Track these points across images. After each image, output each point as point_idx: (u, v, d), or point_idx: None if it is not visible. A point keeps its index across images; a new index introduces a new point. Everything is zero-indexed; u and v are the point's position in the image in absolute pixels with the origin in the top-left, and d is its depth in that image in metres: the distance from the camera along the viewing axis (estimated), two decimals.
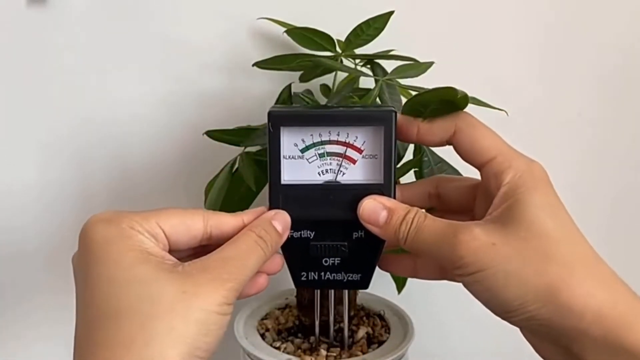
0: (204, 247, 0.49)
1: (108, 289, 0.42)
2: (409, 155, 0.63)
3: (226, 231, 0.49)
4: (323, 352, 0.62)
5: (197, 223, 0.48)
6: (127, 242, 0.44)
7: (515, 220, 0.45)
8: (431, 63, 0.66)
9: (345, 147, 0.53)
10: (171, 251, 0.47)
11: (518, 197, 0.46)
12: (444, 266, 0.52)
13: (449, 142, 0.51)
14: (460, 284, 0.48)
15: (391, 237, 0.50)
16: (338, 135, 0.52)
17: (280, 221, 0.51)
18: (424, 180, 0.57)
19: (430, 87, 0.61)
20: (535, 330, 0.46)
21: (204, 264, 0.45)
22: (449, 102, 0.50)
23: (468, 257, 0.45)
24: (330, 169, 0.53)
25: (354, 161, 0.53)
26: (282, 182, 0.53)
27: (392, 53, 0.69)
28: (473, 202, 0.53)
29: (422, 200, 0.55)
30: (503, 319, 0.47)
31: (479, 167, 0.51)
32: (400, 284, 0.70)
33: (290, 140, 0.53)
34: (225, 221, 0.49)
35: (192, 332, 0.42)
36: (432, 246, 0.48)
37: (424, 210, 0.50)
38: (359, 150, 0.53)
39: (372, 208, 0.51)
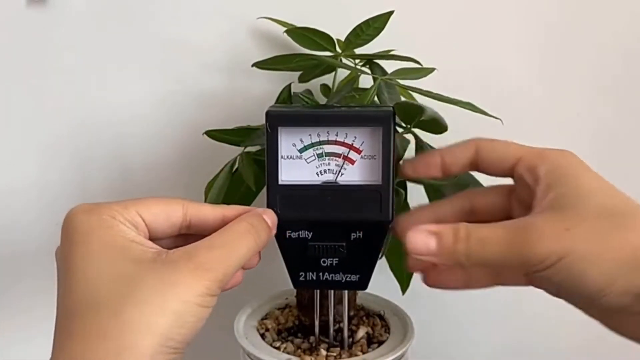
0: (185, 237, 0.49)
1: (88, 280, 0.42)
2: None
3: (205, 221, 0.49)
4: (323, 352, 0.62)
5: (176, 211, 0.48)
6: (108, 231, 0.43)
7: (576, 203, 0.44)
8: (432, 69, 0.66)
9: (343, 148, 0.53)
10: (151, 239, 0.46)
11: (567, 182, 0.46)
12: (513, 270, 0.50)
13: (472, 165, 0.51)
14: None
15: (450, 259, 0.46)
16: (337, 135, 0.52)
17: (270, 217, 0.50)
18: (455, 197, 0.54)
19: (431, 87, 0.61)
20: (625, 304, 0.44)
21: (188, 252, 0.44)
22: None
23: (546, 249, 0.42)
24: (328, 169, 0.53)
25: (352, 161, 0.53)
26: (280, 182, 0.53)
27: (390, 52, 0.69)
28: (509, 208, 0.51)
29: (457, 217, 0.52)
30: (591, 304, 0.46)
31: (509, 172, 0.49)
32: (404, 285, 0.69)
33: (288, 140, 0.53)
34: (205, 211, 0.49)
35: (166, 323, 0.41)
36: (502, 254, 0.44)
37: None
38: (358, 151, 0.53)
39: (419, 239, 0.46)
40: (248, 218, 0.48)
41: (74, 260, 0.43)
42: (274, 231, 0.51)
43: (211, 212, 0.49)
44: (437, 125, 0.55)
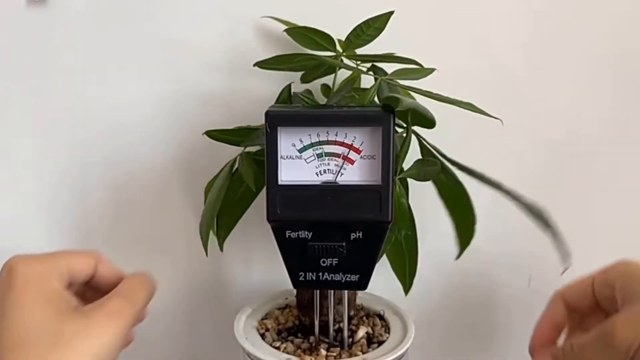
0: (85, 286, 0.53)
1: (20, 323, 0.46)
2: (409, 158, 0.63)
3: (106, 277, 0.54)
4: (323, 352, 0.62)
5: (90, 266, 0.52)
6: (42, 283, 0.48)
7: None
8: (432, 70, 0.66)
9: (343, 148, 0.53)
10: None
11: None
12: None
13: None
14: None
15: None
16: (336, 135, 0.52)
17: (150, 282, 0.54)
18: (553, 304, 0.62)
19: (430, 87, 0.61)
20: None
21: (100, 303, 0.49)
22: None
23: (628, 338, 0.50)
24: (328, 170, 0.53)
25: (352, 162, 0.53)
26: (280, 182, 0.53)
27: (392, 54, 0.69)
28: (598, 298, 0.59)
29: (565, 319, 0.61)
30: None
31: (593, 300, 0.59)
32: (407, 286, 0.69)
33: (288, 140, 0.53)
34: (106, 271, 0.54)
35: None
36: (596, 350, 0.53)
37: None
38: (357, 151, 0.53)
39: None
40: (138, 274, 0.53)
41: (11, 303, 0.46)
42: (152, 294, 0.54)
43: (109, 272, 0.54)
44: (420, 117, 0.55)
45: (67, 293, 0.49)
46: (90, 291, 0.53)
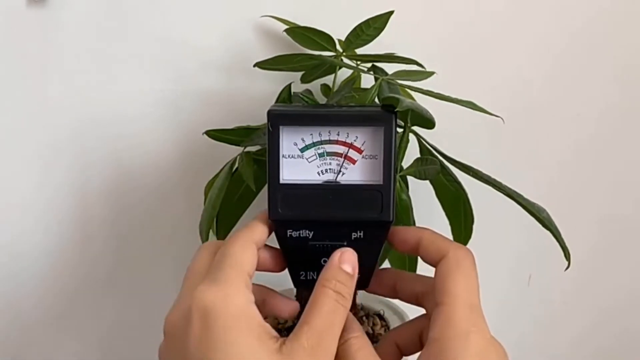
0: None
1: None
2: (409, 157, 0.63)
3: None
4: None
5: (255, 254, 0.51)
6: (247, 321, 0.45)
7: None
8: (432, 72, 0.66)
9: (345, 147, 0.53)
10: None
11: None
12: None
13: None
14: None
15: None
16: (338, 135, 0.52)
17: (349, 262, 0.50)
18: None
19: (430, 86, 0.61)
20: None
21: (301, 344, 0.45)
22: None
23: None
24: (329, 169, 0.53)
25: (353, 161, 0.53)
26: (281, 181, 0.53)
27: (392, 55, 0.69)
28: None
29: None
30: None
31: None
32: None
33: (289, 140, 0.53)
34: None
35: None
36: None
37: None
38: (359, 151, 0.53)
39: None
40: (329, 282, 0.49)
41: (219, 349, 0.44)
42: (356, 273, 0.51)
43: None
44: (420, 118, 0.55)
45: (265, 325, 0.46)
46: None
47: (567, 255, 0.56)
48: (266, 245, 0.55)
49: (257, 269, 0.52)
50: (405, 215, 0.60)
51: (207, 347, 0.44)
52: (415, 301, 0.55)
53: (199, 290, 0.46)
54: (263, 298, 0.55)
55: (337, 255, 0.50)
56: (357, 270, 0.51)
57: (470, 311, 0.48)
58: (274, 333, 0.47)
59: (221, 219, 0.70)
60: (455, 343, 0.46)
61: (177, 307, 0.48)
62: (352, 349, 0.49)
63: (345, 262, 0.50)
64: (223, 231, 0.70)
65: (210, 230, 0.67)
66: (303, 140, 0.53)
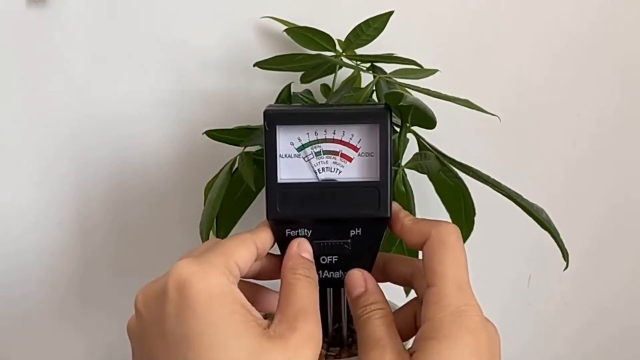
0: None
1: (215, 350, 0.42)
2: (408, 155, 0.63)
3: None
4: (322, 352, 0.61)
5: (253, 253, 0.50)
6: (228, 300, 0.44)
7: None
8: (433, 71, 0.66)
9: (341, 146, 0.53)
10: None
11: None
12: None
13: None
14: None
15: (353, 310, 0.53)
16: (334, 133, 0.53)
17: (306, 250, 0.53)
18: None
19: (430, 86, 0.62)
20: None
21: (290, 325, 0.46)
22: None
23: None
24: (326, 167, 0.53)
25: (350, 159, 0.53)
26: (279, 180, 0.53)
27: (392, 55, 0.69)
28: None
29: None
30: None
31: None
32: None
33: (286, 139, 0.53)
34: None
35: None
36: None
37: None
38: (355, 148, 0.53)
39: (355, 280, 0.53)
40: (298, 269, 0.51)
41: (201, 333, 0.42)
42: (312, 258, 0.53)
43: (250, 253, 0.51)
44: (421, 116, 0.55)
45: (250, 307, 0.45)
46: None
47: (565, 256, 0.56)
48: (271, 254, 0.55)
49: (261, 277, 0.53)
50: (405, 205, 0.60)
51: (185, 324, 0.42)
52: (406, 283, 0.55)
53: (177, 265, 0.45)
54: (253, 295, 0.55)
55: (294, 245, 0.53)
56: (311, 257, 0.53)
57: (459, 290, 0.48)
58: (258, 315, 0.46)
59: (221, 219, 0.70)
60: (446, 323, 0.46)
61: (152, 282, 0.47)
62: (375, 316, 0.50)
63: (303, 250, 0.53)
64: (223, 231, 0.71)
65: (211, 231, 0.67)
66: (299, 139, 0.53)
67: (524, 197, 0.57)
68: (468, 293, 0.48)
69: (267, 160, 0.53)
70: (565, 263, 0.56)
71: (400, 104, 0.52)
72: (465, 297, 0.48)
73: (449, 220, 0.62)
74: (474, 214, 0.61)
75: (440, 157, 0.60)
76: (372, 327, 0.49)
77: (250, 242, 0.50)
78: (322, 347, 0.62)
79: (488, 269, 0.83)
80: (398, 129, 0.59)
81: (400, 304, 0.69)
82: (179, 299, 0.43)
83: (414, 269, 0.53)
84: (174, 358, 0.42)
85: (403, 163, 0.61)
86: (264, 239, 0.52)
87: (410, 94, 0.64)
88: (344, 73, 0.71)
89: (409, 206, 0.61)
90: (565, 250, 0.55)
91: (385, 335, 0.48)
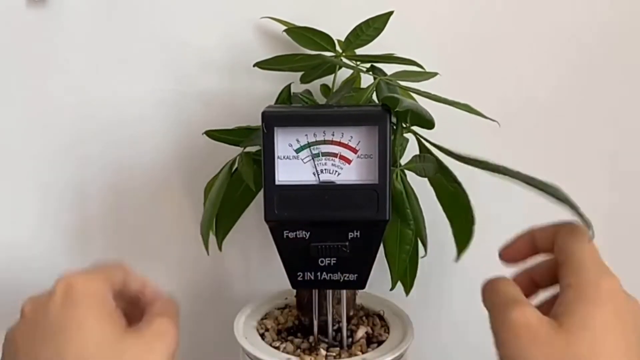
0: None
1: (78, 339, 0.47)
2: (407, 156, 0.63)
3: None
4: (322, 352, 0.61)
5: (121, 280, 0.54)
6: (103, 302, 0.50)
7: None
8: (434, 74, 0.66)
9: (339, 147, 0.53)
10: None
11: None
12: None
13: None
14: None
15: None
16: (333, 135, 0.52)
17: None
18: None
19: (429, 88, 0.61)
20: None
21: (148, 324, 0.50)
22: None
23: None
24: (325, 169, 0.53)
25: (349, 161, 0.53)
26: (277, 182, 0.53)
27: (392, 55, 0.69)
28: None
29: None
30: None
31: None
32: (408, 286, 0.69)
33: (284, 141, 0.53)
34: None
35: None
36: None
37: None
38: (354, 150, 0.53)
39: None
40: (166, 297, 0.55)
41: (73, 321, 0.48)
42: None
43: (136, 282, 0.55)
44: (419, 118, 0.55)
45: (117, 311, 0.50)
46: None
47: (589, 226, 0.54)
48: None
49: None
50: (401, 202, 0.60)
51: (65, 313, 0.48)
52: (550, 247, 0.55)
53: (65, 273, 0.51)
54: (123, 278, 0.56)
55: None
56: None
57: (599, 263, 0.50)
58: (123, 319, 0.50)
59: (221, 218, 0.70)
60: (588, 288, 0.48)
61: (40, 293, 0.51)
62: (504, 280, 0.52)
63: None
64: (222, 231, 0.71)
65: (210, 231, 0.68)
66: (298, 141, 0.53)
67: (536, 178, 0.55)
68: (605, 266, 0.50)
69: (264, 161, 0.53)
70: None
71: (397, 109, 0.52)
72: (604, 267, 0.50)
73: (449, 227, 0.62)
74: (473, 222, 0.60)
75: (444, 153, 0.59)
76: (506, 288, 0.51)
77: (120, 271, 0.54)
78: (322, 347, 0.62)
79: (488, 270, 0.82)
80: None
81: (400, 304, 0.70)
82: (65, 295, 0.49)
83: (558, 227, 0.53)
84: (53, 344, 0.47)
85: (403, 163, 0.60)
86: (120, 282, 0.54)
87: (412, 96, 0.64)
88: (344, 73, 0.71)
89: (404, 205, 0.60)
90: (589, 220, 0.53)
91: (520, 295, 0.50)
